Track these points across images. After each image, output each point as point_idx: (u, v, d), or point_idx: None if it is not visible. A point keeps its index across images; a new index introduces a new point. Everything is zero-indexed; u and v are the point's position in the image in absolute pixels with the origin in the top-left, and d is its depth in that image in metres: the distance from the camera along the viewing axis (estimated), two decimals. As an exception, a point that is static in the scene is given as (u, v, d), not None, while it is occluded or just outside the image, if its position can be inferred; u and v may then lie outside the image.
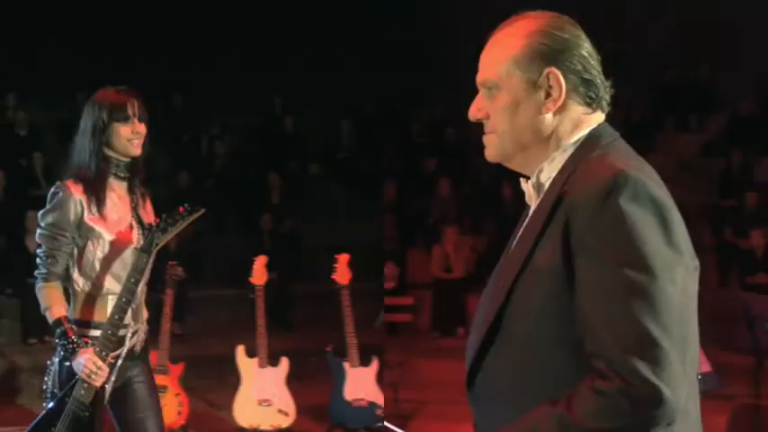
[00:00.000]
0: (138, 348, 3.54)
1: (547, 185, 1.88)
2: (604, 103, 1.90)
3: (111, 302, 3.43)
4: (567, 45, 1.85)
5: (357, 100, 12.10)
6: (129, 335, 3.47)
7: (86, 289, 3.45)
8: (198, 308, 8.67)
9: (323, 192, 11.12)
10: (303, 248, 9.60)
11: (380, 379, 5.86)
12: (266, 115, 12.15)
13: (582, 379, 1.70)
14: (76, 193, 3.42)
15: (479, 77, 1.93)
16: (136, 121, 3.46)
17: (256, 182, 10.83)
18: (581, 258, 1.72)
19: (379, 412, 5.64)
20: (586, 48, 1.87)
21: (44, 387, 3.49)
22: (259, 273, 5.96)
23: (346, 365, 5.78)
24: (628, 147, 1.89)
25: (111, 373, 3.38)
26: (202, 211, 3.40)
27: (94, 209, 3.43)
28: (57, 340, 3.39)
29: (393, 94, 11.72)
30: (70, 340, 3.33)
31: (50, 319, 3.38)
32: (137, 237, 3.51)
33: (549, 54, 1.84)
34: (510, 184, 10.24)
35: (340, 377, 5.77)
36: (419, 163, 11.65)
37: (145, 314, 3.59)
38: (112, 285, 3.45)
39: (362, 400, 5.70)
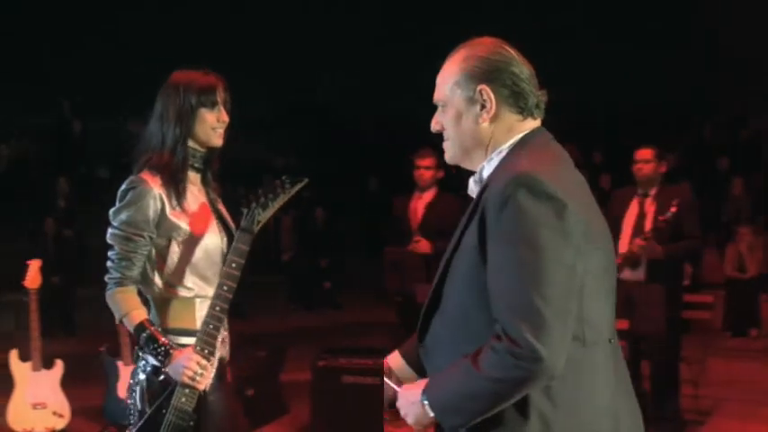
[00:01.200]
0: (226, 357, 3.26)
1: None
2: (536, 111, 2.30)
3: (198, 306, 3.12)
4: (498, 66, 2.26)
5: (144, 102, 9.44)
6: (218, 343, 3.13)
7: (170, 293, 3.11)
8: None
9: (111, 196, 8.91)
10: (89, 252, 9.20)
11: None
12: (54, 118, 11.68)
13: None
14: (155, 187, 3.08)
15: (435, 97, 2.37)
16: (222, 108, 3.19)
17: (42, 185, 10.48)
18: (490, 242, 2.12)
19: (152, 408, 6.04)
20: (517, 66, 2.27)
21: (129, 408, 3.13)
22: (32, 277, 5.88)
23: (120, 364, 5.94)
24: (555, 149, 2.30)
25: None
26: (305, 180, 3.11)
27: (175, 202, 3.10)
28: (143, 348, 3.05)
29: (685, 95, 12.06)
30: (160, 343, 3.01)
31: (131, 326, 3.05)
32: (218, 231, 3.21)
33: (482, 74, 2.26)
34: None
35: (114, 376, 5.93)
36: (712, 163, 11.86)
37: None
38: (199, 287, 3.14)
39: (137, 396, 6.05)
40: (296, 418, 6.44)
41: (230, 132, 3.25)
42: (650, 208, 6.17)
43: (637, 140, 6.49)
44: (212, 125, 3.16)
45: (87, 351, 7.05)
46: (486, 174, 2.29)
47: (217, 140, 3.20)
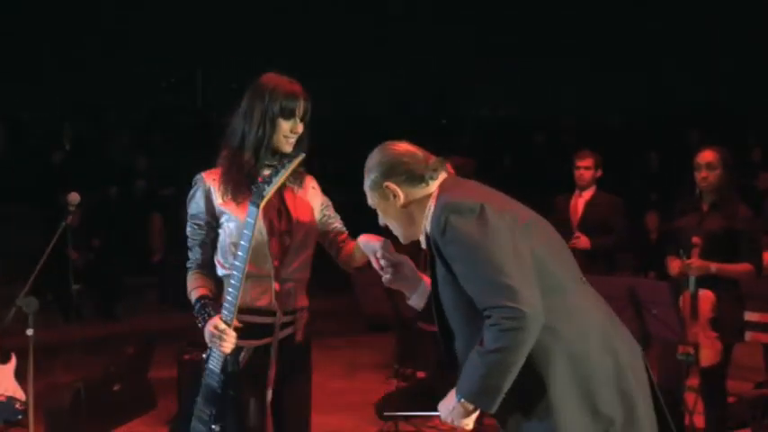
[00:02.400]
0: (299, 338, 3.55)
1: None
2: (435, 174, 2.97)
3: (251, 284, 3.40)
4: (389, 163, 2.96)
5: (11, 105, 11.60)
6: (278, 326, 3.47)
7: (227, 273, 3.43)
8: None
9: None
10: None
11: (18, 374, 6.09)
12: None
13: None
14: (208, 181, 3.47)
15: (369, 203, 3.05)
16: (299, 120, 3.44)
17: None
18: (451, 262, 2.79)
19: (17, 406, 6.01)
20: (404, 155, 2.96)
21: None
22: None
23: (-11, 364, 5.99)
24: (460, 181, 3.03)
25: (269, 357, 3.47)
26: (302, 155, 3.35)
27: (228, 196, 3.43)
28: (198, 320, 3.40)
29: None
30: (206, 311, 3.38)
31: (193, 301, 3.45)
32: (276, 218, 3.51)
33: (382, 176, 2.96)
34: None
35: (-17, 376, 5.99)
36: None
37: (303, 301, 3.56)
38: (251, 268, 3.34)
39: (1, 395, 5.97)
40: (163, 411, 6.59)
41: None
42: None
43: None
44: (285, 134, 3.43)
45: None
46: (428, 228, 2.91)
47: (287, 148, 3.45)
